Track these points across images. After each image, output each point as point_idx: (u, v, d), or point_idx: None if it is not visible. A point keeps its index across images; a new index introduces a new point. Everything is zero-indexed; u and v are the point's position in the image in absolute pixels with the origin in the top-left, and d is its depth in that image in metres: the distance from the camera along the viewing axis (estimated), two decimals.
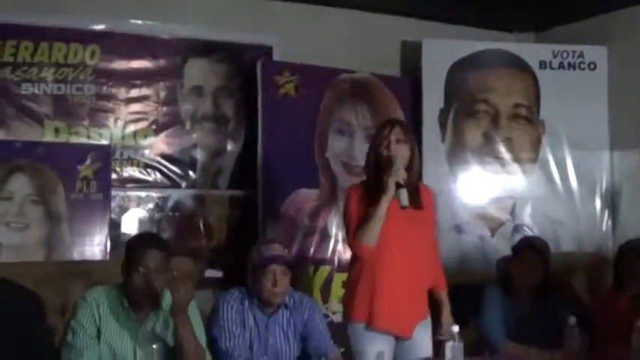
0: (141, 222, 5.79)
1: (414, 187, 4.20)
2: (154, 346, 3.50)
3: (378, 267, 4.12)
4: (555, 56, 6.53)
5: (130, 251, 3.74)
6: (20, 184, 5.31)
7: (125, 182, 5.78)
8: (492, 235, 6.35)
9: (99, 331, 3.64)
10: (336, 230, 6.07)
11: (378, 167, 4.16)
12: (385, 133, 4.18)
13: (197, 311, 3.88)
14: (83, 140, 5.64)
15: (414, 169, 4.23)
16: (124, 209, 5.76)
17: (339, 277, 6.01)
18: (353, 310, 4.21)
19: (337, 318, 5.90)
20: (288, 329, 4.11)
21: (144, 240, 3.87)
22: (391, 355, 4.19)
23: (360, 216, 4.13)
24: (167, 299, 3.74)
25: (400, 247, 4.12)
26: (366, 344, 4.13)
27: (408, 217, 4.10)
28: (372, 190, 4.13)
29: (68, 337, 3.63)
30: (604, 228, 6.48)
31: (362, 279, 4.17)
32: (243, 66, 6.14)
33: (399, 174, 4.03)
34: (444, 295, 4.40)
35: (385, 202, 4.03)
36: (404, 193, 4.02)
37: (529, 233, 6.18)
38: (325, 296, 5.97)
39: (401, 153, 4.14)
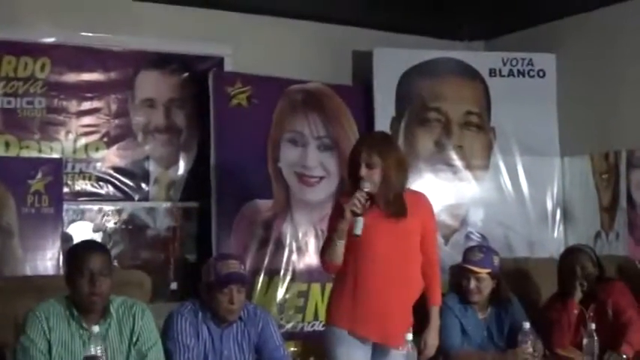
0: (94, 236, 5.74)
1: (393, 199, 4.15)
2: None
3: (362, 274, 4.13)
4: (505, 64, 6.60)
5: (72, 259, 3.71)
6: None
7: (77, 196, 5.75)
8: (446, 242, 6.38)
9: (49, 344, 3.60)
10: (290, 240, 6.07)
11: (354, 186, 4.14)
12: (356, 156, 4.14)
13: (153, 324, 3.87)
14: (34, 154, 5.61)
15: (391, 183, 4.13)
16: (76, 223, 5.72)
17: (294, 287, 6.02)
18: (335, 315, 4.23)
19: (293, 328, 5.94)
20: (242, 341, 4.10)
21: (85, 246, 3.86)
22: None
23: (330, 231, 4.17)
24: (115, 304, 3.74)
25: (384, 257, 4.11)
26: (345, 350, 4.15)
27: (392, 227, 4.11)
28: None
29: (18, 354, 3.58)
30: (556, 233, 6.55)
31: (346, 285, 4.19)
32: (194, 77, 6.13)
33: (355, 203, 4.01)
34: (434, 310, 4.34)
35: (341, 228, 4.06)
36: (359, 222, 4.01)
37: (478, 240, 6.23)
38: (281, 306, 5.97)
39: (369, 177, 4.09)
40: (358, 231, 4.02)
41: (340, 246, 4.10)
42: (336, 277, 4.33)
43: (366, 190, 4.05)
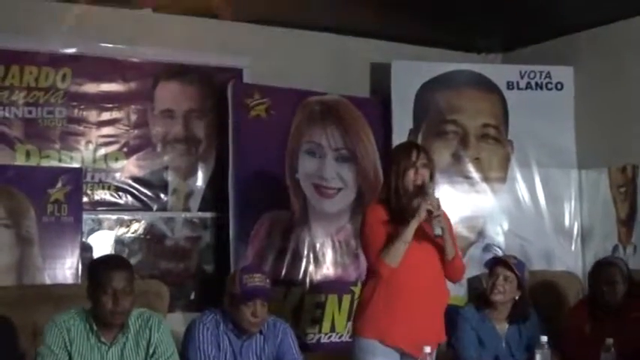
0: (112, 245, 5.78)
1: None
2: None
3: (395, 285, 4.16)
4: (522, 77, 6.59)
5: (95, 274, 3.74)
6: None
7: (96, 205, 5.78)
8: (463, 255, 6.36)
9: (70, 356, 3.63)
10: (307, 251, 6.09)
11: (405, 191, 4.18)
12: (414, 158, 4.21)
13: (170, 336, 3.90)
14: (54, 163, 5.63)
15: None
16: (95, 232, 5.75)
17: (311, 298, 6.04)
18: (365, 326, 4.26)
19: (309, 339, 5.95)
20: (261, 354, 4.15)
21: (109, 262, 3.88)
22: None
23: (383, 236, 4.17)
24: (133, 317, 3.76)
25: (418, 268, 4.16)
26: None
27: (424, 238, 4.16)
28: (397, 212, 4.16)
29: None
30: (573, 246, 6.53)
31: (376, 296, 4.21)
32: (213, 88, 6.15)
33: (433, 202, 4.07)
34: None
35: (414, 226, 4.08)
36: (438, 222, 4.07)
37: (499, 252, 6.22)
38: (297, 317, 5.98)
39: (426, 179, 4.19)
40: (438, 231, 4.07)
41: (405, 248, 4.09)
42: (364, 287, 4.36)
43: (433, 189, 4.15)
